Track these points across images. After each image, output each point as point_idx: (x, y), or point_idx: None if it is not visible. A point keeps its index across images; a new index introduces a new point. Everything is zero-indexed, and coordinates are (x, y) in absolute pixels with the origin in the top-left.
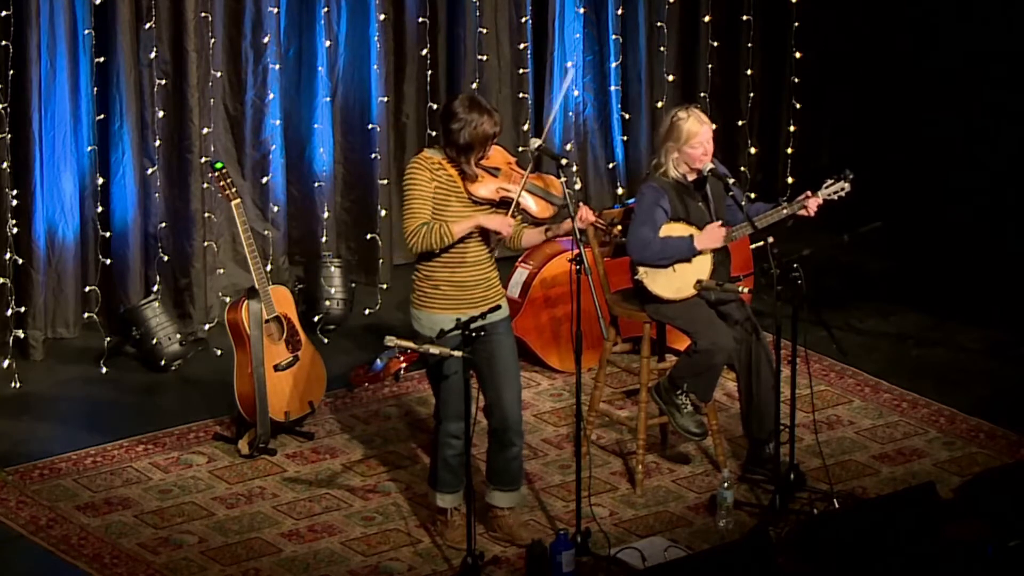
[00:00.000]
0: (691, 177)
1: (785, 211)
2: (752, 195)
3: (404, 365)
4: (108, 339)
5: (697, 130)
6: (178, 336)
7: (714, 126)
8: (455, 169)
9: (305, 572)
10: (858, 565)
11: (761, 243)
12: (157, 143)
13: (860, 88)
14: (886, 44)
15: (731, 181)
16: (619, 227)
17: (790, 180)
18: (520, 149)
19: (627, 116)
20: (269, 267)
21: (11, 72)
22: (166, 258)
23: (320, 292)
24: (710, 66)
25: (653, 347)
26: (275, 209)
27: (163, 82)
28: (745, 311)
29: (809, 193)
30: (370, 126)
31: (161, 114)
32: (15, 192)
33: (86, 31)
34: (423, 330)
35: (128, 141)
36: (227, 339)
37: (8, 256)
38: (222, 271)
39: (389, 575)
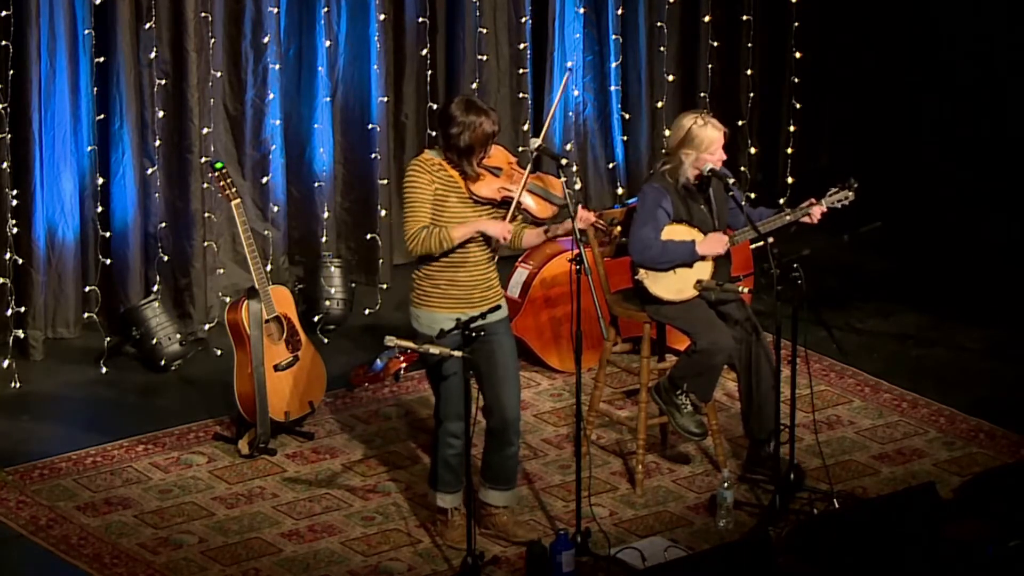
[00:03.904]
0: (693, 180)
1: (788, 217)
2: (752, 195)
3: (404, 365)
4: (108, 339)
5: (716, 136)
6: (178, 336)
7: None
8: (456, 170)
9: (305, 572)
10: (858, 565)
11: (761, 243)
12: (157, 143)
13: (860, 88)
14: (886, 44)
15: (731, 181)
16: (619, 227)
17: (790, 180)
18: (520, 149)
19: (627, 116)
20: (269, 267)
21: (11, 72)
22: (166, 258)
23: (320, 292)
24: (710, 66)
25: (653, 347)
26: (275, 209)
27: (163, 82)
28: (745, 311)
29: (813, 200)
30: (370, 126)
31: (161, 114)
32: (15, 192)
33: (86, 31)
34: (422, 329)
35: (128, 141)
36: (227, 339)
37: (8, 256)
38: (222, 271)
39: (389, 575)
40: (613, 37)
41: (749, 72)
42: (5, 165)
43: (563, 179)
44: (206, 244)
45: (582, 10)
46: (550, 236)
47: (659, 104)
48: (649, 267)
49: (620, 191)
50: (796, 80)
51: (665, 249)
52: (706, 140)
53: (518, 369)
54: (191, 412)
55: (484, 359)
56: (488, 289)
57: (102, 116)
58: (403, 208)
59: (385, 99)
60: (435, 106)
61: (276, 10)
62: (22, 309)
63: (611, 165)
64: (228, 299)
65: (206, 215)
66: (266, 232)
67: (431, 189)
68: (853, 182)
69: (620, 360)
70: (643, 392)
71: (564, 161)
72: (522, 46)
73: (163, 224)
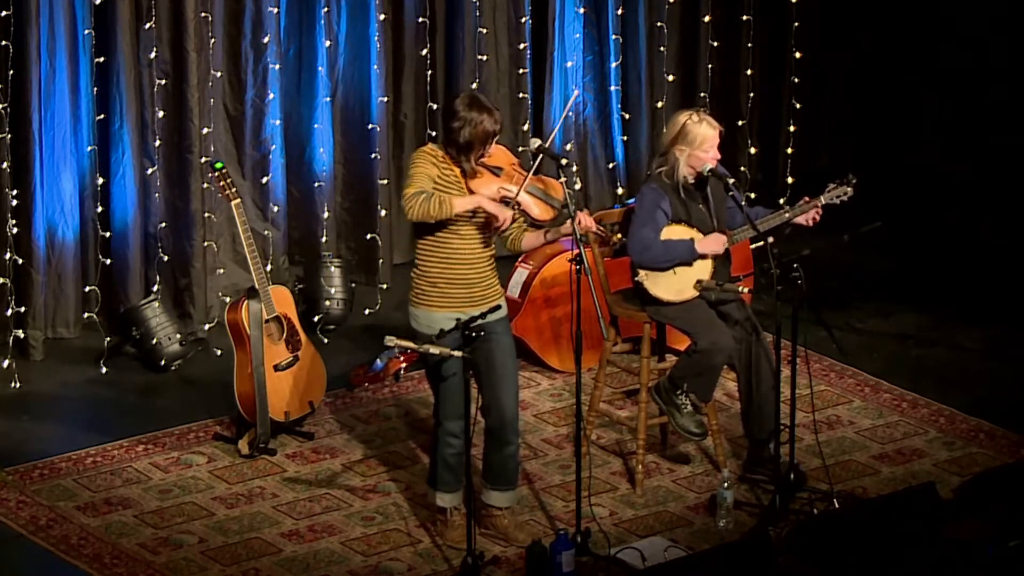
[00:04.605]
0: (691, 180)
1: (787, 215)
2: (752, 195)
3: (404, 365)
4: (108, 339)
5: (710, 134)
6: (178, 336)
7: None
8: (458, 167)
9: (305, 572)
10: (858, 565)
11: (761, 243)
12: (157, 143)
13: (860, 88)
14: (886, 44)
15: (731, 181)
16: (619, 235)
17: (790, 180)
18: (520, 149)
19: (627, 116)
20: (269, 267)
21: (11, 72)
22: (166, 258)
23: (320, 292)
24: (710, 66)
25: (653, 347)
26: (275, 209)
27: (163, 82)
28: (745, 311)
29: (807, 199)
30: (370, 126)
31: (161, 114)
32: (15, 192)
33: (86, 31)
34: (421, 328)
35: (128, 141)
36: (227, 339)
37: (8, 256)
38: (222, 271)
39: (389, 575)
40: (613, 37)
41: (749, 72)
42: (5, 165)
43: (563, 179)
44: (206, 244)
45: (582, 10)
46: (550, 239)
47: (659, 104)
48: (649, 267)
49: (620, 191)
50: (796, 80)
51: (665, 249)
52: (700, 137)
53: (516, 368)
54: (191, 412)
55: (483, 358)
56: (487, 288)
57: (102, 116)
58: (404, 182)
59: (385, 99)
60: (435, 106)
61: (276, 10)
62: (22, 309)
63: (611, 165)
64: (228, 299)
65: (206, 215)
66: (266, 232)
67: (434, 171)
68: (851, 177)
69: (620, 360)
70: (643, 392)
71: (564, 161)
72: (522, 46)
73: (163, 224)
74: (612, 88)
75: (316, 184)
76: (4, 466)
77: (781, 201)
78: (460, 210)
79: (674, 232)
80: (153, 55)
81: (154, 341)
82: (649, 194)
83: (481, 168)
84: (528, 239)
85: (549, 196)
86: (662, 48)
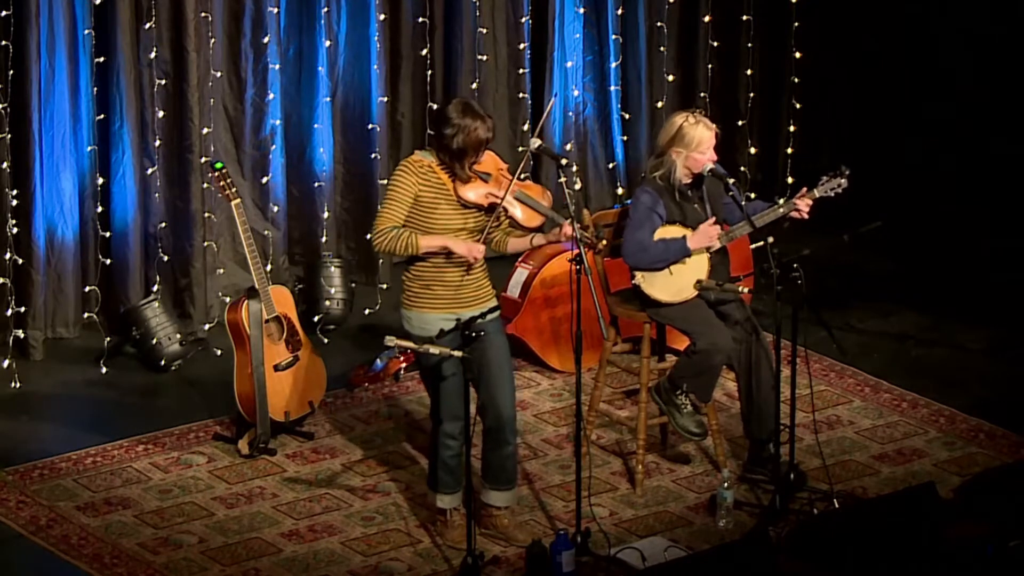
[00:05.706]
0: (687, 180)
1: (782, 209)
2: (752, 195)
3: (404, 365)
4: (108, 339)
5: (707, 136)
6: (178, 336)
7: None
8: (446, 173)
9: (305, 572)
10: (858, 565)
11: (761, 243)
12: (157, 143)
13: (860, 88)
14: (886, 44)
15: (731, 181)
16: (604, 240)
17: (790, 180)
18: (520, 149)
19: (627, 116)
20: (269, 267)
21: (11, 72)
22: (166, 258)
23: (320, 292)
24: (710, 66)
25: (653, 347)
26: (275, 209)
27: (163, 82)
28: (745, 311)
29: (805, 190)
30: (370, 126)
31: (161, 114)
32: (15, 192)
33: (86, 31)
34: (413, 330)
35: (128, 141)
36: (227, 339)
37: (8, 256)
38: (222, 271)
39: (389, 575)
40: (613, 37)
41: (749, 72)
42: (5, 165)
43: (563, 179)
44: (206, 244)
45: (582, 10)
46: (536, 245)
47: (659, 104)
48: (645, 269)
49: (620, 191)
50: (796, 80)
51: (660, 249)
52: (696, 138)
53: (512, 367)
54: (191, 412)
55: (478, 358)
56: (478, 289)
57: (102, 116)
58: (381, 203)
59: (385, 99)
60: (435, 106)
61: (276, 10)
62: (22, 309)
63: (611, 165)
64: (228, 299)
65: (206, 215)
66: (266, 232)
67: (413, 192)
68: (844, 169)
69: (620, 360)
70: (643, 392)
71: (564, 161)
72: (521, 46)
73: (163, 224)
74: (612, 88)
75: (316, 184)
76: (4, 466)
77: (780, 201)
78: (425, 250)
79: (668, 233)
80: (153, 55)
81: (154, 341)
82: (644, 197)
83: (470, 174)
84: (513, 243)
85: (535, 202)
86: (662, 48)
